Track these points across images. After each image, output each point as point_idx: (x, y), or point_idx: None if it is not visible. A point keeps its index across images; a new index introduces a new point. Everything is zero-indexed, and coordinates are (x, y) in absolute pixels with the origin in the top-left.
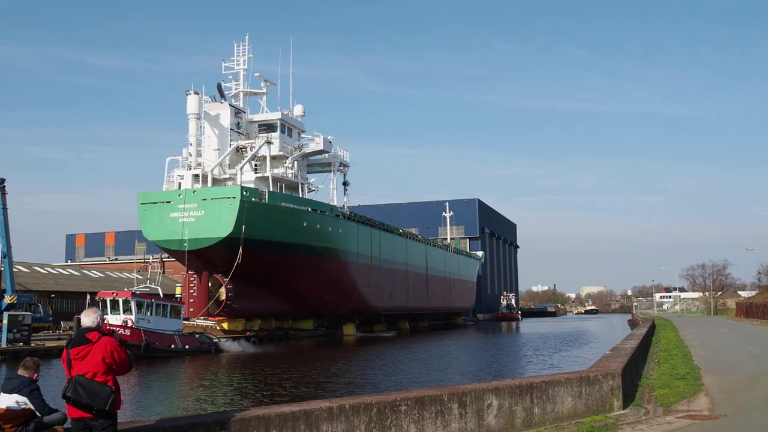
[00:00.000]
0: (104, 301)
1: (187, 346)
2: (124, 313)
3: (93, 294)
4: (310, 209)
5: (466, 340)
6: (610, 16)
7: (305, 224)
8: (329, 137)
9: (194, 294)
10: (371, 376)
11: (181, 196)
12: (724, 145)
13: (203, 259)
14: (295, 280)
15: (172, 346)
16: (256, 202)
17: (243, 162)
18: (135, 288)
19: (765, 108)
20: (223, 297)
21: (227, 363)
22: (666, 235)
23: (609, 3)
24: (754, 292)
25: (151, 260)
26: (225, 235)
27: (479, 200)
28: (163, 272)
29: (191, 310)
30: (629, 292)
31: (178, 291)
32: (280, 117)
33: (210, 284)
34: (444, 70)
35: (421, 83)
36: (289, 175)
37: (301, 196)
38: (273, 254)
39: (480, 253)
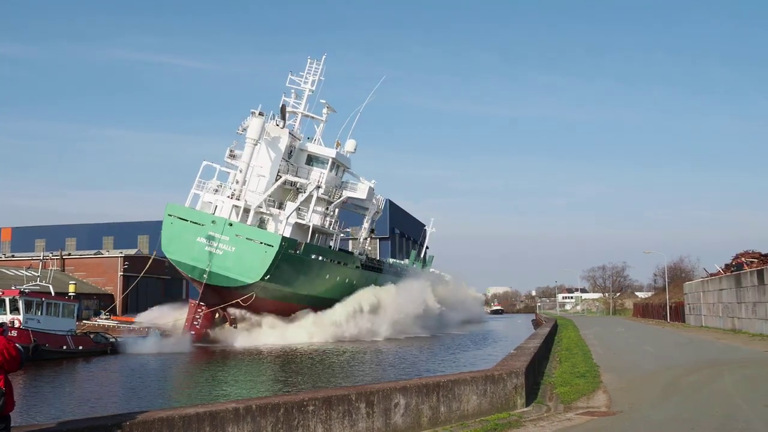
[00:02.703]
0: None
1: (80, 347)
2: (11, 312)
3: None
4: (336, 261)
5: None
6: (519, 22)
7: (327, 277)
8: (372, 183)
9: (197, 325)
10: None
11: (215, 223)
12: (622, 152)
13: (218, 293)
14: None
15: (64, 347)
16: (290, 254)
17: (290, 211)
18: (24, 286)
19: (661, 115)
20: None
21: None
22: (569, 237)
23: (519, 9)
24: (650, 293)
25: (49, 257)
26: (252, 282)
27: (390, 200)
28: (63, 269)
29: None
30: (533, 293)
31: (71, 288)
32: (335, 155)
33: (216, 316)
34: (358, 70)
35: (335, 83)
36: (326, 224)
37: (332, 246)
38: (287, 304)
39: (448, 276)
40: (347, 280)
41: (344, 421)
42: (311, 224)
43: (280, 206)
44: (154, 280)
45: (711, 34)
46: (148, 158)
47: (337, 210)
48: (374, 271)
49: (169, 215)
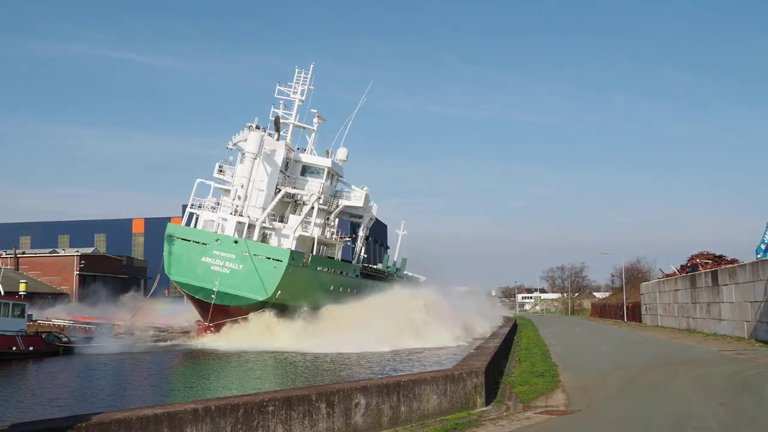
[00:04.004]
0: None
1: (31, 348)
2: None
3: None
4: (339, 272)
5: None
6: (480, 24)
7: (331, 288)
8: (366, 190)
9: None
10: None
11: (219, 242)
12: (582, 154)
13: (226, 312)
14: None
15: (14, 347)
16: (298, 268)
17: (296, 224)
18: None
19: (618, 120)
20: None
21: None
22: (529, 237)
23: (480, 12)
24: (608, 294)
25: (1, 255)
26: (263, 299)
27: None
28: (17, 268)
29: None
30: (493, 293)
31: (22, 287)
32: (330, 165)
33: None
34: (318, 70)
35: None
36: (327, 235)
37: (335, 256)
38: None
39: (422, 278)
40: (348, 290)
41: (304, 422)
42: (315, 236)
43: (281, 219)
44: (111, 279)
45: (666, 38)
46: (105, 155)
47: (337, 220)
48: (375, 279)
49: (170, 236)
